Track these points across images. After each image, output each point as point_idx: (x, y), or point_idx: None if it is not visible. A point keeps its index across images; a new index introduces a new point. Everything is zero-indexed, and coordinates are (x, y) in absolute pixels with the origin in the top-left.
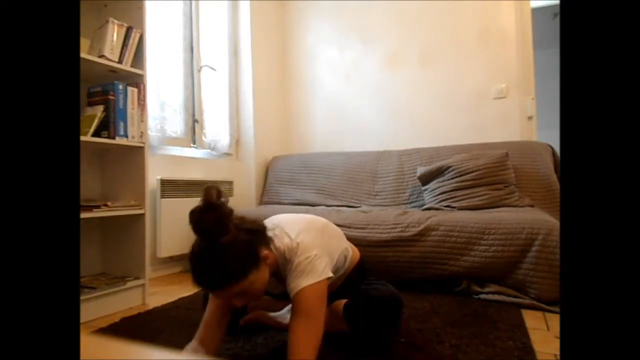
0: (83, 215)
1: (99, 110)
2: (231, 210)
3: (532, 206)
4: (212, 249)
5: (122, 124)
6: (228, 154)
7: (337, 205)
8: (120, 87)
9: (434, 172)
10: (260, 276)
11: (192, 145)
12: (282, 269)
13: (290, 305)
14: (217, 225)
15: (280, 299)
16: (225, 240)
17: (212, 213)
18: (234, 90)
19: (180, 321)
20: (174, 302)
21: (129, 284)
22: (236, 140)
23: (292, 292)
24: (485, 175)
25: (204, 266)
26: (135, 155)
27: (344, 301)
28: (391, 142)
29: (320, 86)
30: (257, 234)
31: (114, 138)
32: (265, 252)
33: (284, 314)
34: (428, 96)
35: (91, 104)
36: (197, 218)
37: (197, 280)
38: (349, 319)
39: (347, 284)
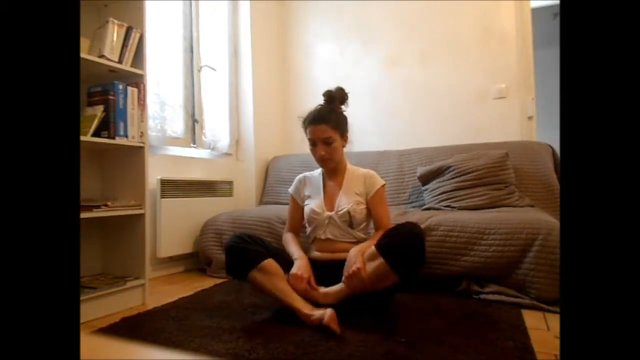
0: (83, 215)
1: (99, 110)
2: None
3: (532, 206)
4: (332, 108)
5: (122, 124)
6: (228, 154)
7: None
8: (120, 87)
9: (434, 172)
10: (339, 146)
11: (192, 145)
12: (348, 179)
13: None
14: (340, 99)
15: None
16: (340, 110)
17: (339, 92)
18: (234, 90)
19: (180, 321)
20: (174, 302)
21: (129, 284)
22: (236, 140)
23: (376, 187)
24: (485, 175)
25: (323, 114)
26: (135, 155)
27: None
28: (391, 142)
29: (320, 86)
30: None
31: (114, 138)
32: (347, 137)
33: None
34: (428, 96)
35: (91, 104)
36: (329, 93)
37: (314, 118)
38: (383, 252)
39: None
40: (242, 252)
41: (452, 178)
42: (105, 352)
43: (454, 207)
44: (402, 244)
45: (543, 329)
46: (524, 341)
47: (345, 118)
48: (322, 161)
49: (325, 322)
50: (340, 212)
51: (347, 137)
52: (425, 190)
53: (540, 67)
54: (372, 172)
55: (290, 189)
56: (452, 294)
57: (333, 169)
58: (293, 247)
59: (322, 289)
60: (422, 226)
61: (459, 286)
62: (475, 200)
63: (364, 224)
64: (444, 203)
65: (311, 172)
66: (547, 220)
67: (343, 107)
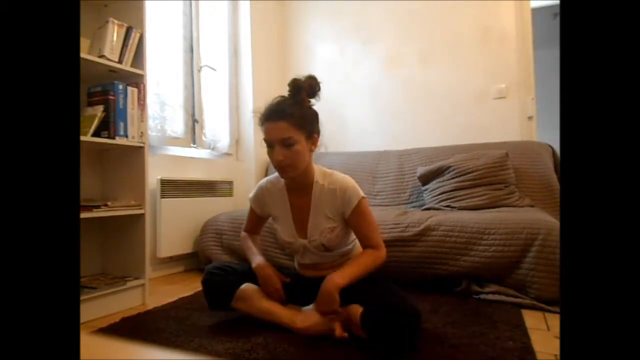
0: (83, 215)
1: (99, 110)
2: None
3: (532, 206)
4: (298, 101)
5: (122, 124)
6: (228, 154)
7: None
8: (120, 87)
9: (434, 172)
10: (303, 150)
11: (192, 145)
12: (316, 197)
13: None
14: (309, 90)
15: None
16: (307, 105)
17: (307, 81)
18: (234, 90)
19: (180, 321)
20: (174, 302)
21: (129, 284)
22: (236, 140)
23: (352, 205)
24: (485, 175)
25: (284, 107)
26: (135, 155)
27: (360, 309)
28: (391, 142)
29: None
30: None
31: (114, 138)
32: (317, 140)
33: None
34: (428, 96)
35: (91, 104)
36: (294, 82)
37: (271, 113)
38: (367, 329)
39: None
40: (215, 288)
41: (452, 178)
42: (105, 352)
43: (454, 207)
44: (392, 339)
45: (543, 329)
46: (524, 341)
47: (314, 114)
48: (280, 168)
49: (338, 335)
50: (314, 245)
51: (316, 139)
52: (425, 190)
53: (540, 67)
54: (345, 183)
55: (251, 200)
56: (452, 294)
57: (296, 181)
58: (250, 252)
59: (303, 321)
60: (422, 226)
61: (459, 286)
62: (475, 200)
63: (345, 239)
64: (444, 203)
65: (271, 183)
66: (547, 220)
67: (313, 100)
